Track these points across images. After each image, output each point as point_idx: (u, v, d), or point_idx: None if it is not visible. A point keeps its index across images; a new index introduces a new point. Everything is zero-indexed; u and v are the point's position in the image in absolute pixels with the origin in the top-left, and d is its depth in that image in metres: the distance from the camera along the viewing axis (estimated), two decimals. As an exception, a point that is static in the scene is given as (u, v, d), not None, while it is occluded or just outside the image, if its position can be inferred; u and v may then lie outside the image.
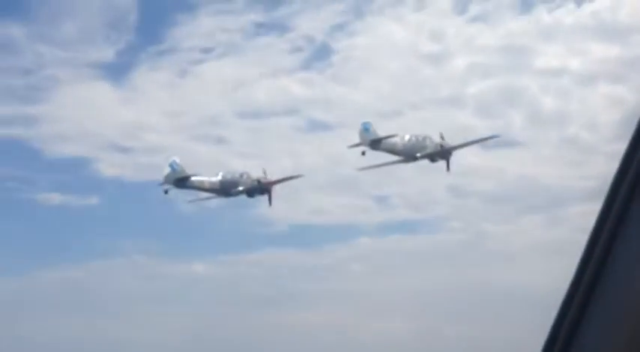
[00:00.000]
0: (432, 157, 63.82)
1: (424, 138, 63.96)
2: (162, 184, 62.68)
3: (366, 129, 61.02)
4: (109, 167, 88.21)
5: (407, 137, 63.47)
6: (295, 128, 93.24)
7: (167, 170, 62.34)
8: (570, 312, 2.19)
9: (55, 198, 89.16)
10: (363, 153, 60.97)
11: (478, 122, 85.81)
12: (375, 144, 61.00)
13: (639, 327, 2.06)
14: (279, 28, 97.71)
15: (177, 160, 62.91)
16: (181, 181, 62.62)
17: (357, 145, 61.24)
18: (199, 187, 64.06)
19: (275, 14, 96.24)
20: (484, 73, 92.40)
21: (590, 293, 2.13)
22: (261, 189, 65.70)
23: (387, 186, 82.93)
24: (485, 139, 63.83)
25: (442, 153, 63.81)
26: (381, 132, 61.83)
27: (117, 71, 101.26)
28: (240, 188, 64.77)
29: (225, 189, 64.69)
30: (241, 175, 65.52)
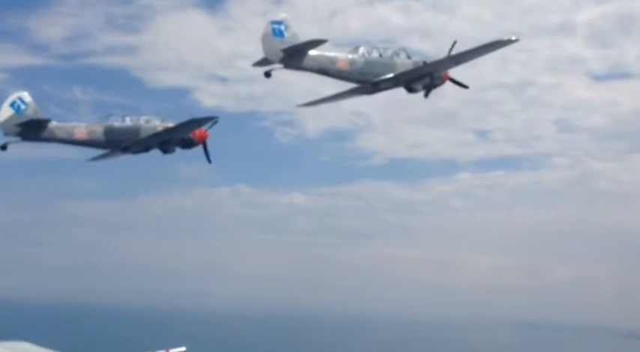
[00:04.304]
0: (410, 82, 37.81)
1: (393, 53, 38.13)
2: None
3: (275, 31, 36.00)
4: (209, 97, 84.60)
5: (361, 49, 37.86)
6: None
7: (7, 112, 41.11)
8: None
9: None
10: (268, 75, 35.96)
11: (589, 52, 77.64)
12: (293, 57, 35.85)
13: None
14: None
15: (27, 97, 41.52)
16: (31, 129, 41.24)
17: (262, 62, 36.49)
18: (63, 139, 42.18)
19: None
20: (597, -2, 72.19)
21: None
22: (183, 141, 43.34)
23: (488, 119, 70.78)
24: (501, 45, 35.87)
25: (426, 76, 37.71)
26: None
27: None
28: (142, 137, 42.76)
29: (113, 140, 42.78)
30: (147, 121, 43.43)
